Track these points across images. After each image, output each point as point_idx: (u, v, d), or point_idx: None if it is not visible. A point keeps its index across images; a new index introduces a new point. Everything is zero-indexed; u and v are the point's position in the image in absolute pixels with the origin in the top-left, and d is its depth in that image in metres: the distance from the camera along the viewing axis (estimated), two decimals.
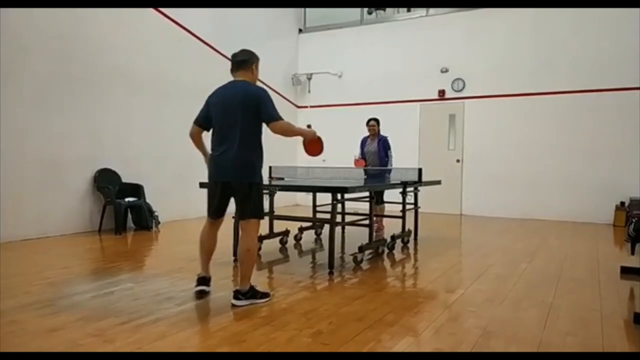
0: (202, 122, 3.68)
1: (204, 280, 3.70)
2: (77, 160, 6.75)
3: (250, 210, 3.54)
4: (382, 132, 7.46)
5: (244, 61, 3.63)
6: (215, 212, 3.70)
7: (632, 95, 8.32)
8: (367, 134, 7.48)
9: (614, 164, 8.52)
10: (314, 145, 3.90)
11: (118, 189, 7.05)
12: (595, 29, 8.66)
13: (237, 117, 3.47)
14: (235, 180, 3.51)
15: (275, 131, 3.54)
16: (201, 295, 3.64)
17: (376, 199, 6.50)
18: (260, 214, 3.60)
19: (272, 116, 3.48)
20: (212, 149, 3.64)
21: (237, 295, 3.53)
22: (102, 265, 5.04)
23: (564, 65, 8.88)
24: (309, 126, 3.55)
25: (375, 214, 7.14)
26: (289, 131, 3.64)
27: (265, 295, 3.65)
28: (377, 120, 7.46)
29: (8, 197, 5.91)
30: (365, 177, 6.51)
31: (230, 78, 3.69)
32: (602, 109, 8.59)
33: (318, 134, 3.88)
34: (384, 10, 10.77)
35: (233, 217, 5.09)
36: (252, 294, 3.57)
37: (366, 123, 7.47)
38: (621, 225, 7.89)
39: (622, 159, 8.43)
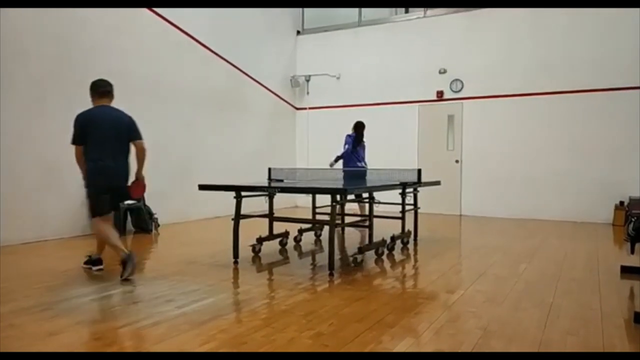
0: (82, 141, 4.41)
1: (101, 260, 4.67)
2: (75, 163, 6.71)
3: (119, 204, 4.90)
4: (367, 134, 7.66)
5: (109, 91, 4.58)
6: (109, 209, 4.56)
7: (630, 94, 8.33)
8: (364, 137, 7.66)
9: (612, 164, 8.52)
10: (141, 187, 4.70)
11: None
12: (593, 29, 8.66)
13: (123, 136, 4.49)
14: (123, 183, 4.52)
15: (139, 147, 4.52)
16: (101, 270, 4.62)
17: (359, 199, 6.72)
18: None
19: (141, 136, 4.56)
20: (97, 160, 4.39)
21: (99, 262, 4.61)
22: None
23: (563, 65, 8.88)
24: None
25: (359, 214, 7.28)
26: (145, 151, 4.56)
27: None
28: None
29: (7, 200, 5.90)
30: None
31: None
32: (601, 108, 8.60)
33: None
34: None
35: (232, 219, 5.13)
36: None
37: None
38: (621, 225, 7.90)
39: (621, 158, 8.43)
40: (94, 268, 4.62)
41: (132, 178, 4.60)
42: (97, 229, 4.55)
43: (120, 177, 4.48)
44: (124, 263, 4.28)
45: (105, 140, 4.39)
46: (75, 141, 4.42)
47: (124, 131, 4.50)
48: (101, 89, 4.54)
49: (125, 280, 4.22)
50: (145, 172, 4.63)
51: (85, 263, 4.73)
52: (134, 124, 4.57)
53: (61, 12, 6.49)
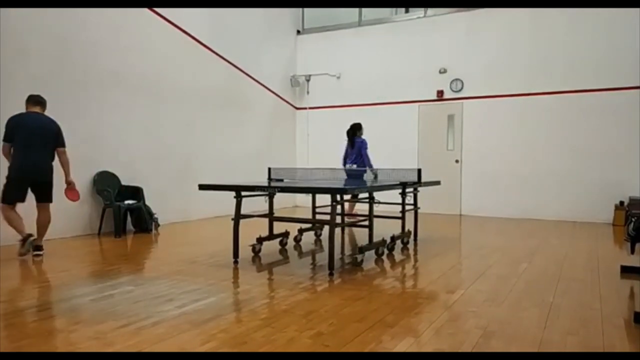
0: (11, 140, 5.14)
1: (31, 235, 5.28)
2: (76, 162, 6.67)
3: (50, 197, 5.38)
4: (367, 133, 7.75)
5: (41, 101, 5.37)
6: (21, 199, 5.23)
7: (630, 94, 8.33)
8: (365, 137, 7.71)
9: (613, 163, 8.52)
10: (74, 192, 5.67)
11: (117, 192, 7.04)
12: (593, 29, 8.66)
13: (49, 139, 5.28)
14: (45, 178, 5.29)
15: (62, 154, 5.38)
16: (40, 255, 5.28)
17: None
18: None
19: (64, 144, 5.41)
20: (22, 157, 5.16)
21: (40, 248, 5.32)
22: (101, 268, 5.02)
23: (562, 65, 8.88)
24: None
25: (349, 213, 7.30)
26: (66, 157, 5.43)
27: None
28: None
29: None
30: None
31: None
32: (601, 108, 8.60)
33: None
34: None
35: (232, 219, 5.13)
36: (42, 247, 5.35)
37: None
38: (621, 225, 7.90)
39: (621, 158, 8.43)
40: (31, 239, 5.28)
41: (64, 185, 5.49)
42: (3, 214, 5.26)
43: (45, 174, 5.28)
44: (24, 241, 5.22)
45: (32, 141, 5.16)
46: (4, 139, 5.16)
47: (50, 136, 5.29)
48: (35, 98, 5.34)
49: (21, 255, 5.19)
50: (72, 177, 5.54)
51: (27, 247, 5.27)
52: (61, 132, 5.37)
53: (61, 12, 6.49)
